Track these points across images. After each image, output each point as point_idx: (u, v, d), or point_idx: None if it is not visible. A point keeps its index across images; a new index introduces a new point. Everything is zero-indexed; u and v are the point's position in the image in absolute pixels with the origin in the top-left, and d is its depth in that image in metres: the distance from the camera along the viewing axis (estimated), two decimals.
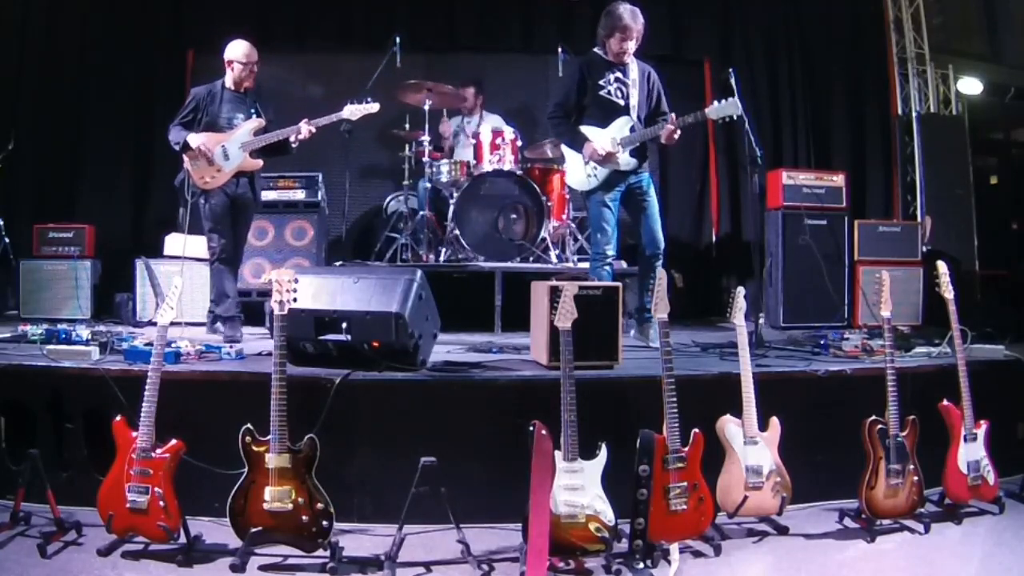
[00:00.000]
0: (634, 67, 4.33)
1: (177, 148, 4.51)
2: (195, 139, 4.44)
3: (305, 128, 4.49)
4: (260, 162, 4.60)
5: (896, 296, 3.34)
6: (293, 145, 4.60)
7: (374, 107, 4.65)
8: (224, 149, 4.46)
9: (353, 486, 3.07)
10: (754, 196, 4.60)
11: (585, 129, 4.29)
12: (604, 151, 4.21)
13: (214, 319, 4.76)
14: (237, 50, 4.57)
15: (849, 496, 3.18)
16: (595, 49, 4.37)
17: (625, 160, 4.25)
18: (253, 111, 4.62)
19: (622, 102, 4.28)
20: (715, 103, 4.06)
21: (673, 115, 4.17)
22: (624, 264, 5.29)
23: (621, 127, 4.25)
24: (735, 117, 4.05)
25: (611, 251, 4.33)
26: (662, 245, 4.35)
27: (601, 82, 4.27)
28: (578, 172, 4.37)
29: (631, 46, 4.25)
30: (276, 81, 6.50)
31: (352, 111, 4.62)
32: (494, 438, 3.13)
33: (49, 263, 5.80)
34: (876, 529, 3.05)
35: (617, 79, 4.29)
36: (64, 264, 5.77)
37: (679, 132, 4.14)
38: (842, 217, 5.94)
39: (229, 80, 4.60)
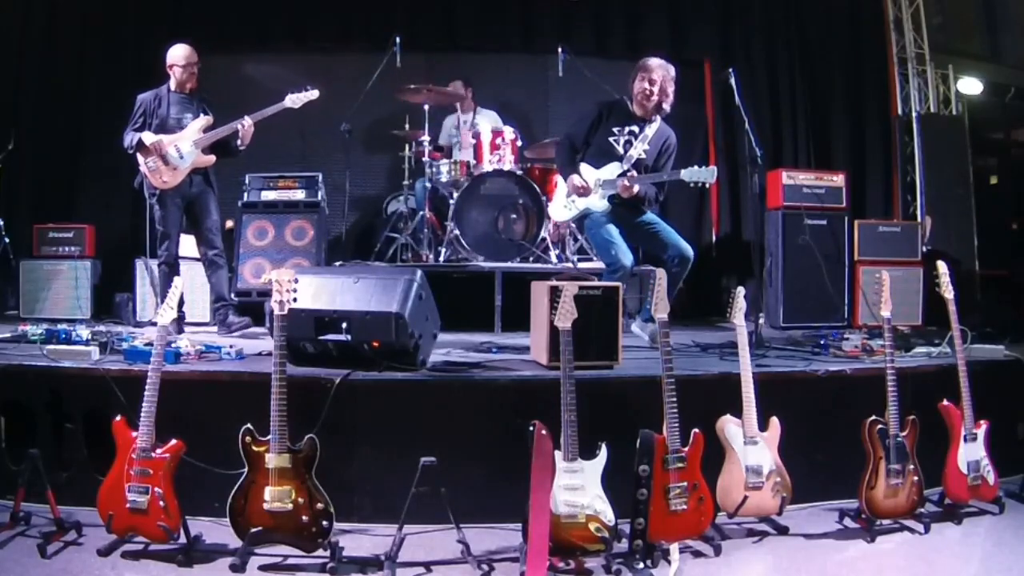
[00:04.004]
0: (654, 127, 4.38)
1: (131, 151, 4.61)
2: (149, 136, 4.55)
3: (248, 121, 4.59)
4: (213, 158, 4.71)
5: (896, 296, 3.34)
6: (240, 146, 4.70)
7: (314, 94, 4.72)
8: (178, 148, 4.57)
9: (353, 486, 3.07)
10: (754, 196, 4.60)
11: (582, 166, 4.40)
12: (582, 184, 4.33)
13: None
14: (177, 53, 4.69)
15: (849, 496, 3.18)
16: (625, 98, 4.45)
17: (597, 202, 4.35)
18: (201, 110, 4.71)
19: (621, 151, 4.34)
20: (693, 167, 4.15)
21: (632, 172, 4.23)
22: None
23: (609, 171, 4.33)
24: (707, 185, 4.19)
25: (627, 261, 4.20)
26: (691, 252, 4.30)
27: (615, 129, 4.37)
28: (558, 203, 4.57)
29: (652, 92, 4.28)
30: (275, 81, 6.50)
31: (293, 100, 4.70)
32: (494, 438, 3.12)
33: (49, 263, 5.80)
34: (876, 529, 3.05)
35: (631, 132, 4.36)
36: (64, 264, 5.78)
37: (636, 187, 4.18)
38: (842, 217, 5.93)
39: (173, 83, 4.71)
